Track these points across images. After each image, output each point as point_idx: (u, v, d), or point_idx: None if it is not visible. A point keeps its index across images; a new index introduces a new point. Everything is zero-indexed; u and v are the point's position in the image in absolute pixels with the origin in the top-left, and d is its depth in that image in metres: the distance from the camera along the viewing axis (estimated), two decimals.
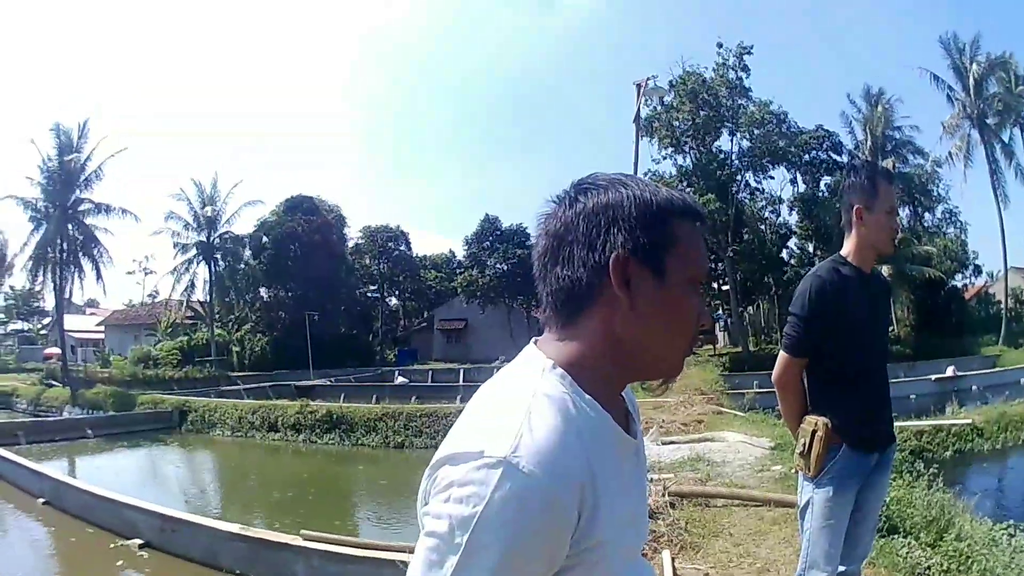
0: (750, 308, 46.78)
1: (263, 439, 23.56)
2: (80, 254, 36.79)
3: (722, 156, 41.87)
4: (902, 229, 36.49)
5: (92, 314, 63.40)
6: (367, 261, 57.86)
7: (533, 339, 1.17)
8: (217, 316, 46.48)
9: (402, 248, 59.56)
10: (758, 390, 21.23)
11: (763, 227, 42.84)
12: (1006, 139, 39.18)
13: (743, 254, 40.48)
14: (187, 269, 43.83)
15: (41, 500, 13.73)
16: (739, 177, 42.11)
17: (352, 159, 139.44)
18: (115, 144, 49.67)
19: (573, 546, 0.95)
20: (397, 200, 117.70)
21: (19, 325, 66.67)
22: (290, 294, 46.61)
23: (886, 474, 3.31)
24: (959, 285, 43.43)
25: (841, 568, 3.08)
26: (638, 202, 1.07)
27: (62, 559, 11.26)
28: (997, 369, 29.68)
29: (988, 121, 38.59)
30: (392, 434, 21.94)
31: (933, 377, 26.25)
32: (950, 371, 26.73)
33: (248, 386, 33.79)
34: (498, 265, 49.18)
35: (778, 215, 43.83)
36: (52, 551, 11.64)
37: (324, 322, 42.81)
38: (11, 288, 57.70)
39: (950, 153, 40.00)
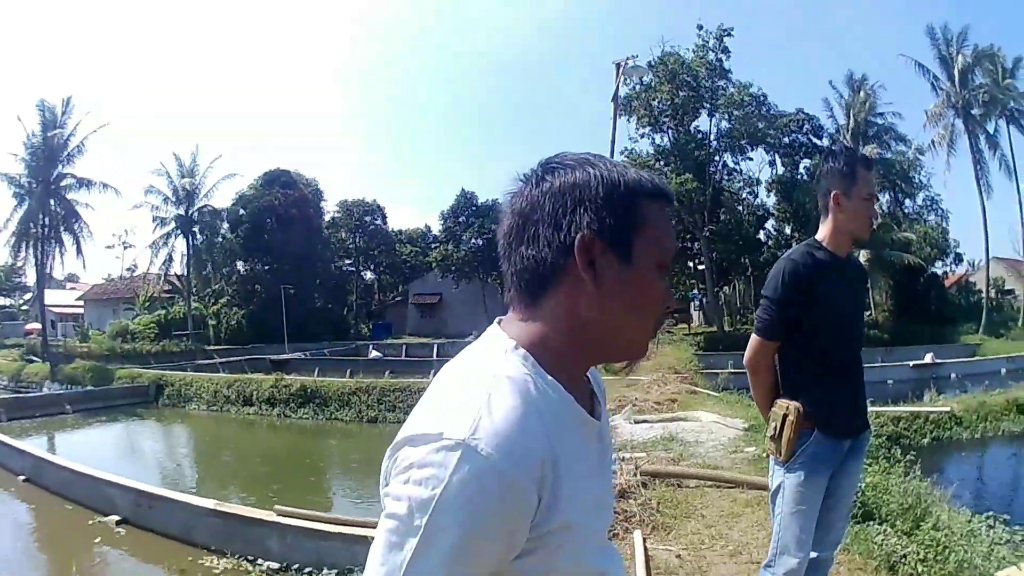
0: (726, 288, 46.57)
1: (238, 413, 23.63)
2: (61, 229, 36.80)
3: (700, 136, 41.71)
4: (882, 214, 36.54)
5: (72, 288, 62.93)
6: (343, 235, 57.69)
7: (497, 319, 1.16)
8: (194, 290, 46.31)
9: (378, 222, 59.40)
10: (732, 370, 21.32)
11: (740, 208, 42.82)
12: (991, 130, 39.13)
13: (720, 234, 40.38)
14: (165, 243, 43.75)
15: (21, 477, 13.74)
16: (717, 157, 42.07)
17: (331, 134, 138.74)
18: (97, 119, 49.24)
19: (534, 529, 0.95)
20: (374, 175, 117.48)
21: (1, 301, 66.00)
22: (267, 267, 46.44)
23: (859, 461, 3.28)
24: (939, 272, 43.47)
25: (813, 554, 3.07)
26: (606, 182, 1.06)
27: (41, 537, 11.28)
28: (977, 358, 29.57)
29: (973, 112, 38.45)
30: (365, 408, 22.08)
31: (911, 363, 26.23)
32: (928, 358, 26.64)
33: (224, 360, 33.81)
34: (473, 240, 48.86)
35: (756, 196, 43.81)
36: (32, 529, 11.64)
37: (300, 296, 42.72)
38: None
39: (933, 141, 39.87)
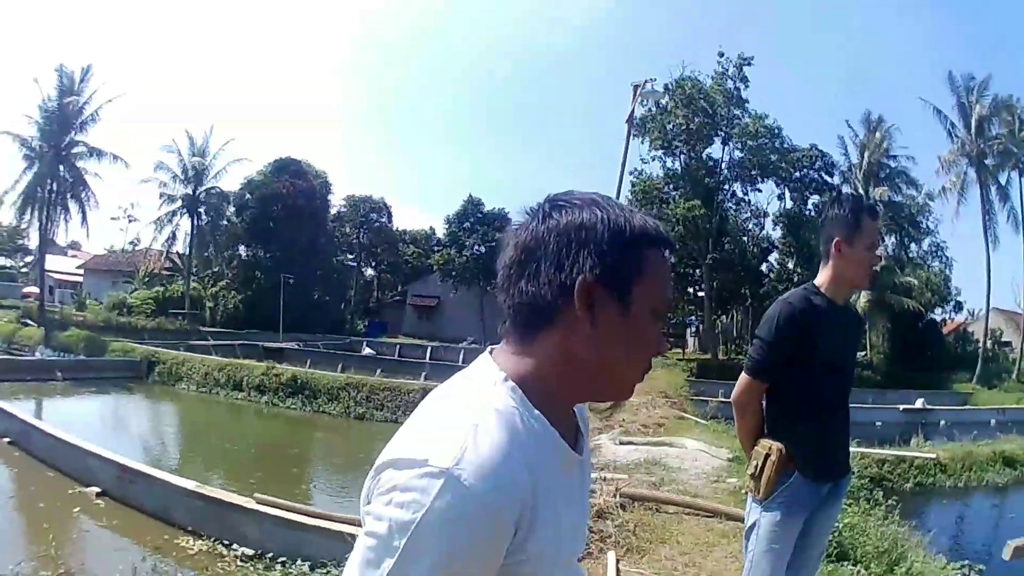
0: (724, 317, 46.59)
1: (227, 397, 23.70)
2: (68, 196, 36.95)
3: (712, 163, 41.61)
4: (886, 257, 36.40)
5: (73, 256, 62.82)
6: (347, 229, 57.79)
7: (489, 348, 1.17)
8: (194, 270, 46.47)
9: (383, 220, 59.50)
10: (723, 399, 20.77)
11: (745, 239, 42.73)
12: (1003, 181, 39.12)
13: (722, 263, 40.15)
14: (170, 220, 43.99)
15: (6, 440, 13.73)
16: (727, 186, 41.96)
17: (341, 130, 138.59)
18: (114, 89, 49.40)
19: (507, 556, 0.96)
20: (382, 173, 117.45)
21: (1, 261, 65.94)
22: (268, 255, 46.26)
23: (837, 504, 3.28)
24: (938, 319, 43.46)
25: None
26: (611, 227, 1.06)
27: (21, 503, 11.28)
28: (968, 407, 29.46)
29: (987, 162, 38.44)
30: (354, 404, 22.15)
31: (902, 407, 25.78)
32: (919, 403, 26.22)
33: (218, 343, 33.82)
34: (476, 247, 48.90)
35: (762, 228, 43.68)
36: (11, 494, 11.62)
37: (299, 286, 42.65)
38: None
39: (944, 188, 39.86)
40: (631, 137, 28.53)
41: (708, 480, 9.18)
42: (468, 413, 0.99)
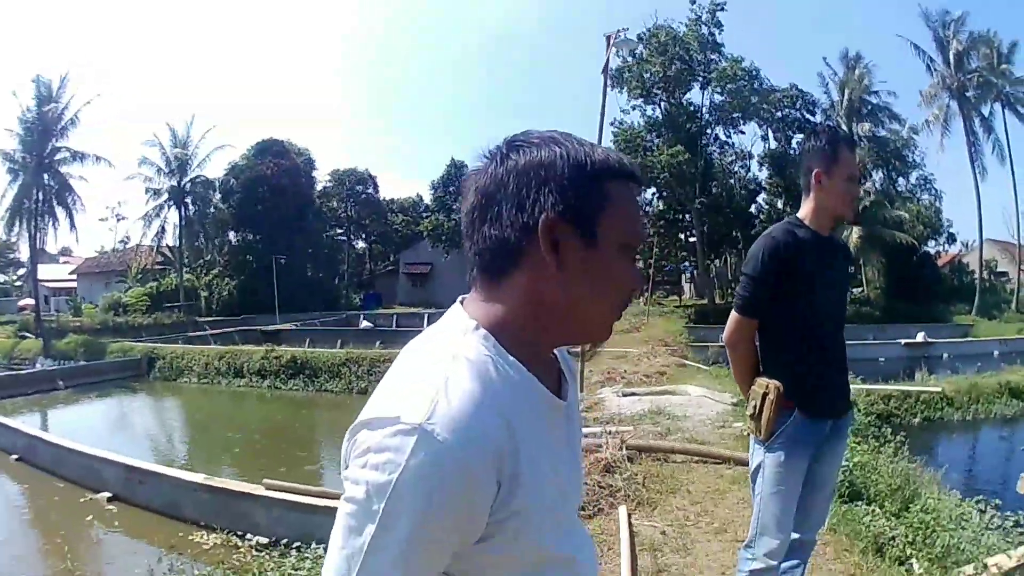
0: (717, 261, 46.48)
1: (229, 385, 23.75)
2: (55, 203, 36.72)
3: (692, 109, 41.58)
4: (875, 192, 36.47)
5: (65, 262, 62.62)
6: (334, 204, 57.72)
7: (460, 298, 1.14)
8: (186, 261, 46.42)
9: (370, 191, 59.46)
10: (722, 344, 21.40)
11: (732, 181, 42.62)
12: (986, 113, 38.98)
13: (711, 207, 40.21)
14: (158, 214, 43.79)
15: (14, 457, 13.71)
16: (709, 130, 41.98)
17: (324, 103, 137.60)
18: (91, 91, 49.03)
19: (493, 514, 0.94)
20: (366, 145, 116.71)
21: None
22: (258, 238, 46.14)
23: (842, 442, 3.23)
24: (932, 252, 43.36)
25: (795, 535, 3.05)
26: (571, 162, 1.04)
27: (34, 517, 11.29)
28: (969, 339, 29.45)
29: (968, 94, 38.31)
30: (355, 379, 22.11)
31: (903, 342, 26.01)
32: (920, 337, 26.48)
33: (215, 331, 33.89)
34: None
35: (748, 170, 43.60)
36: (24, 510, 11.68)
37: (291, 266, 42.50)
38: None
39: (927, 121, 39.70)
40: (609, 88, 28.42)
41: (714, 426, 9.22)
42: (439, 366, 0.97)
